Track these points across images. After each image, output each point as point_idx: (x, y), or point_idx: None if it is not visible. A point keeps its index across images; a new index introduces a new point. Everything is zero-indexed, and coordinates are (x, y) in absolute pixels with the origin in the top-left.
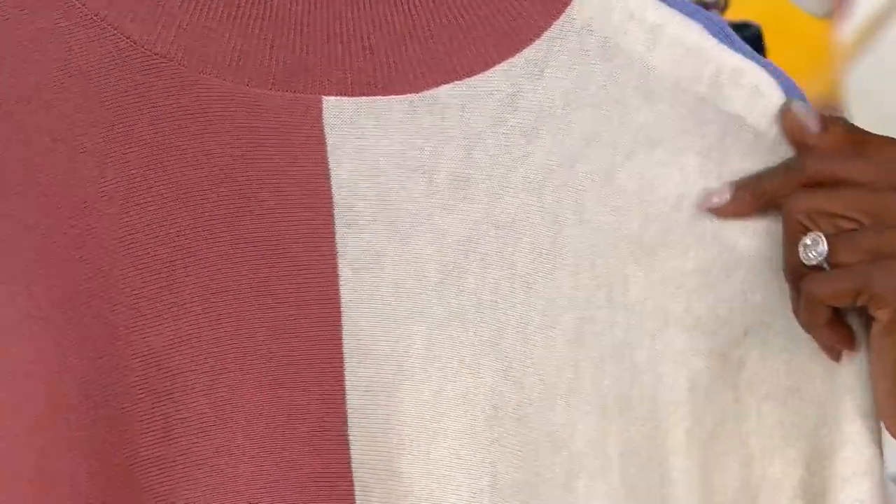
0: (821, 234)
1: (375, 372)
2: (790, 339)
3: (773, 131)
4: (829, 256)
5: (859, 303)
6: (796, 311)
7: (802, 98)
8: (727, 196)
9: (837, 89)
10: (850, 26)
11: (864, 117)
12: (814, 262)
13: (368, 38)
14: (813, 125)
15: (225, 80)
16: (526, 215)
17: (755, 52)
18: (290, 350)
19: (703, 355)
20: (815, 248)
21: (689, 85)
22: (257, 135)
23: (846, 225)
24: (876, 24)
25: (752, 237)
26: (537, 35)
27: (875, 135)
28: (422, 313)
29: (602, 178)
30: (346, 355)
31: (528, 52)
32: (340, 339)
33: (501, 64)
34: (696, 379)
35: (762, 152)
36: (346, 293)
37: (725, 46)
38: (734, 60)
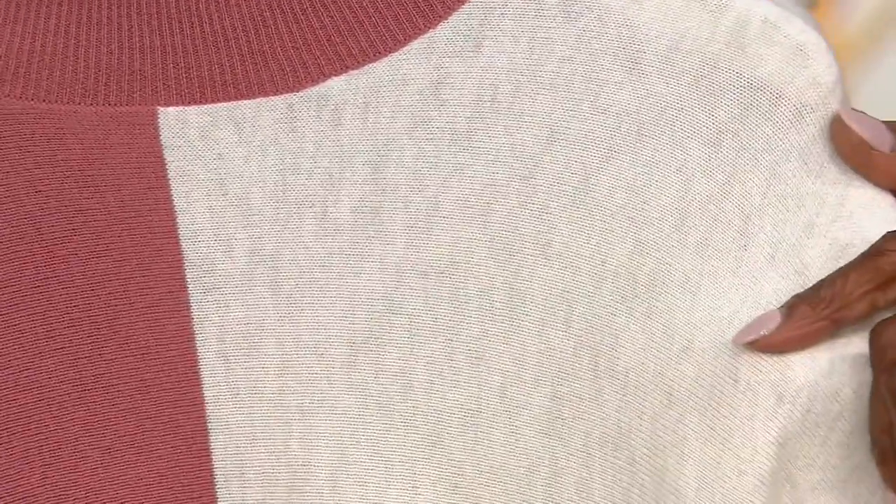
0: None
1: (261, 500)
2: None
3: (826, 110)
4: None
5: None
6: (887, 478)
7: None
8: (776, 321)
9: None
10: (854, 19)
11: None
12: None
13: (220, 19)
14: (883, 139)
15: (5, 93)
16: (467, 255)
17: None
18: (145, 482)
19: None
20: None
21: (696, 45)
22: (64, 170)
23: None
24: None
25: (811, 363)
26: None
27: None
28: (325, 408)
29: (572, 190)
30: (217, 479)
31: (457, 19)
32: (209, 455)
33: (418, 39)
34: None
35: (808, 140)
36: (212, 389)
37: None
38: (765, 8)
